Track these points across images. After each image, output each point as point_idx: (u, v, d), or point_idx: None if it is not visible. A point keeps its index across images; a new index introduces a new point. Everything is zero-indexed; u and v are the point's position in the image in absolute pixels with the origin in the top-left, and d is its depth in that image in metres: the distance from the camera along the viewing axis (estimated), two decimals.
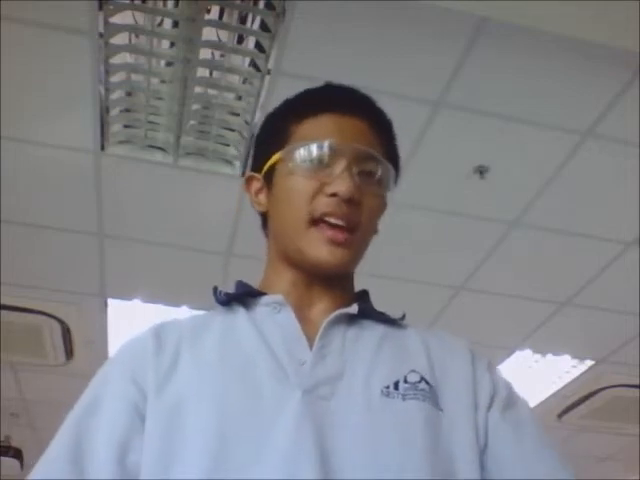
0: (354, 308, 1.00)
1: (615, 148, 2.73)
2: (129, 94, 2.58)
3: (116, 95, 2.56)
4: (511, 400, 0.97)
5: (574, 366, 4.43)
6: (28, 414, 5.30)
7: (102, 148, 2.79)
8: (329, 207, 0.97)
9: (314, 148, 1.00)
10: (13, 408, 5.16)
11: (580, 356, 4.32)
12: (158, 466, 0.84)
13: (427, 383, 0.93)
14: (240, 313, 1.00)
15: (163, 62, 2.43)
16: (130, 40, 2.33)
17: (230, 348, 0.94)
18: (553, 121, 2.64)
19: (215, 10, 2.22)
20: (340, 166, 0.98)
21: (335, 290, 1.02)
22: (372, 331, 0.99)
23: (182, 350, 0.94)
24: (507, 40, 2.31)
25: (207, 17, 2.22)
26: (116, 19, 2.23)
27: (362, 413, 0.88)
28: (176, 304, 3.83)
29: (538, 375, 4.55)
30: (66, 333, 4.16)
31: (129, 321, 4.02)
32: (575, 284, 3.61)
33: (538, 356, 4.33)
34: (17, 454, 5.47)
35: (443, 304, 3.81)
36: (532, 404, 4.91)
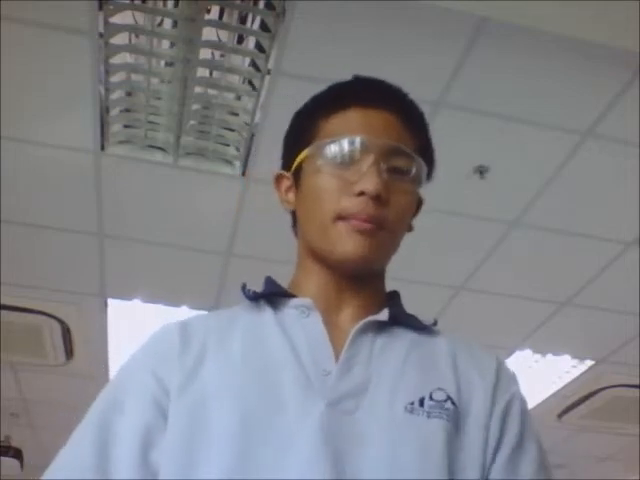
0: (384, 314, 0.98)
1: (615, 148, 2.73)
2: (129, 94, 2.58)
3: (116, 95, 2.56)
4: (519, 443, 0.92)
5: (574, 366, 4.43)
6: (28, 414, 5.30)
7: (102, 148, 2.79)
8: (356, 207, 0.94)
9: (342, 144, 0.97)
10: (13, 408, 5.16)
11: (580, 356, 4.32)
12: (179, 464, 0.84)
13: (453, 403, 0.90)
14: (267, 313, 0.99)
15: (163, 62, 2.43)
16: (130, 40, 2.33)
17: (256, 350, 0.93)
18: (553, 121, 2.64)
19: (215, 10, 2.22)
20: (367, 162, 0.95)
21: (365, 292, 1.00)
22: (401, 340, 0.97)
23: (208, 349, 0.93)
24: (507, 40, 2.31)
25: (207, 17, 2.22)
26: (116, 19, 2.23)
27: (385, 429, 0.86)
28: (176, 304, 3.83)
29: (538, 375, 4.55)
30: (66, 333, 4.16)
31: (129, 321, 4.02)
32: (575, 284, 3.61)
33: (538, 356, 4.33)
34: (17, 454, 5.47)
35: (443, 304, 3.81)
36: (532, 404, 4.91)
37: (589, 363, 4.38)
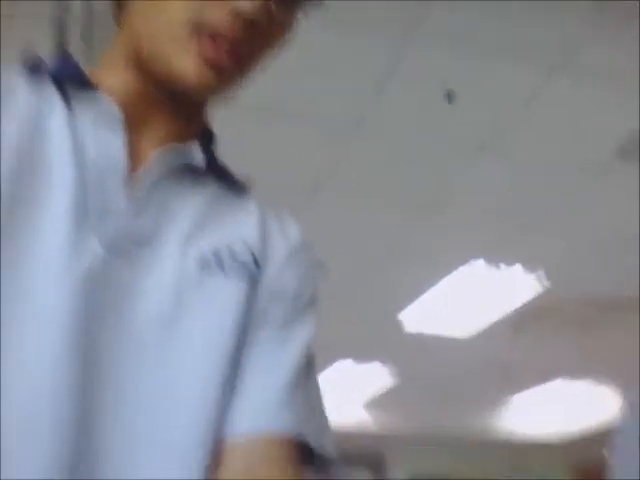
0: (196, 152, 0.77)
1: (586, 80, 2.75)
2: None
3: None
4: (305, 308, 0.79)
5: (529, 281, 4.48)
6: None
7: None
8: (222, 24, 0.70)
9: None
10: None
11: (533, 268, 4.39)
12: None
13: (256, 262, 0.76)
14: (55, 102, 0.73)
15: None
16: None
17: (32, 156, 0.69)
18: (523, 54, 2.63)
19: None
20: None
21: (181, 115, 0.78)
22: (207, 186, 0.79)
23: None
24: None
25: None
26: None
27: (169, 286, 0.71)
28: None
29: (494, 290, 4.59)
30: None
31: None
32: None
33: (493, 269, 4.33)
34: None
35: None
36: (488, 320, 5.01)
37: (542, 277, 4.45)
